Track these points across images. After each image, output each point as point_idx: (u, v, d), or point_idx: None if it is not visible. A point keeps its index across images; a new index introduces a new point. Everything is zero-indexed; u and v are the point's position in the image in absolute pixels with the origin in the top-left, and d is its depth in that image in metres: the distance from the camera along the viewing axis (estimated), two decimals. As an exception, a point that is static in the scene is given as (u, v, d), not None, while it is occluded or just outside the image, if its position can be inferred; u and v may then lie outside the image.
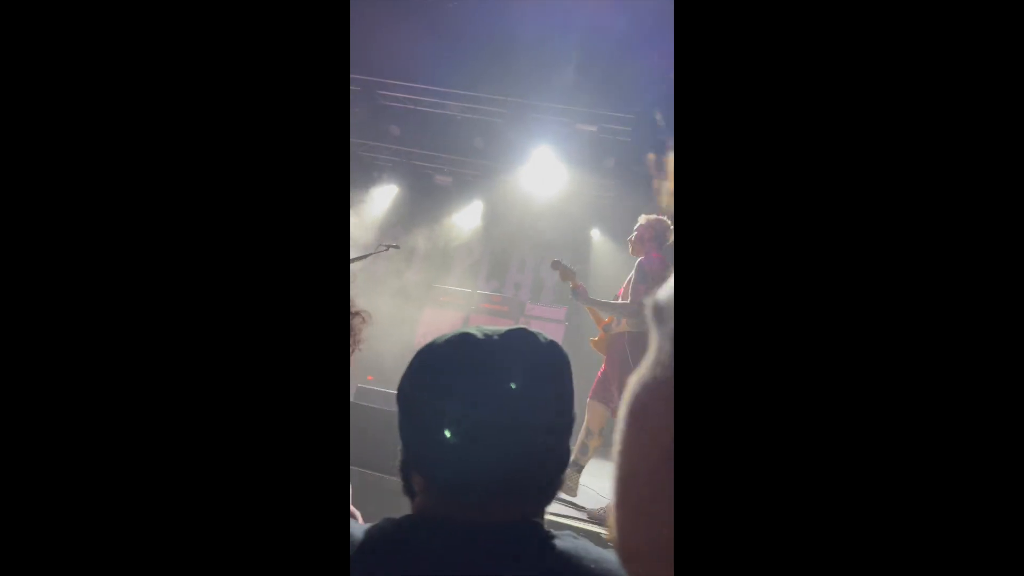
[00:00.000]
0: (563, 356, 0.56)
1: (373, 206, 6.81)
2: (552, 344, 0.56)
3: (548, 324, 5.87)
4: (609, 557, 0.50)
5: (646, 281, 2.42)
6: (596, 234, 6.45)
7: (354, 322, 0.80)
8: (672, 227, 2.52)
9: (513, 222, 6.50)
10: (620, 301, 2.56)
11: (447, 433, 0.50)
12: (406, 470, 0.57)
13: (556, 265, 2.82)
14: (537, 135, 5.60)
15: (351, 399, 2.82)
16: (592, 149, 5.64)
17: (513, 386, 0.51)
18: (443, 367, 0.52)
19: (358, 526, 0.54)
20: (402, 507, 0.58)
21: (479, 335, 0.54)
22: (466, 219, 6.72)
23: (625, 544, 0.25)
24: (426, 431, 0.52)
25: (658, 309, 0.27)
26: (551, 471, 0.54)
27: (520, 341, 0.54)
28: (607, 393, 2.53)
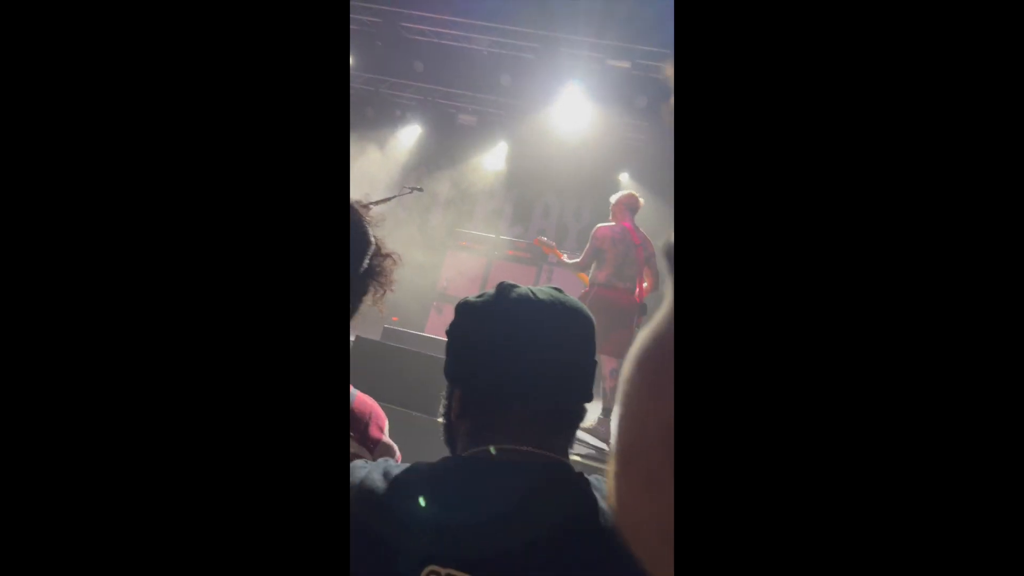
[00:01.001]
0: (586, 314, 0.65)
1: (396, 146, 6.70)
2: (580, 306, 0.66)
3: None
4: None
5: (590, 242, 3.01)
6: (625, 178, 6.26)
7: (385, 263, 0.80)
8: (640, 200, 3.16)
9: (539, 165, 6.33)
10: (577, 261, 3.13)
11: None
12: (449, 399, 0.64)
13: (539, 242, 3.37)
14: (567, 72, 5.32)
15: (379, 339, 2.90)
16: (624, 87, 5.35)
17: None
18: (487, 322, 0.62)
19: (395, 464, 0.57)
20: (426, 439, 0.62)
21: (524, 292, 0.63)
22: (490, 161, 6.57)
23: (627, 520, 0.23)
24: (474, 353, 0.61)
25: (670, 253, 0.24)
26: (577, 401, 0.62)
27: (558, 300, 0.64)
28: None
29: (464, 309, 0.64)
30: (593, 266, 3.04)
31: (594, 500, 0.55)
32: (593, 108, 5.43)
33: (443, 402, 0.66)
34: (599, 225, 3.07)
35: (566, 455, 0.61)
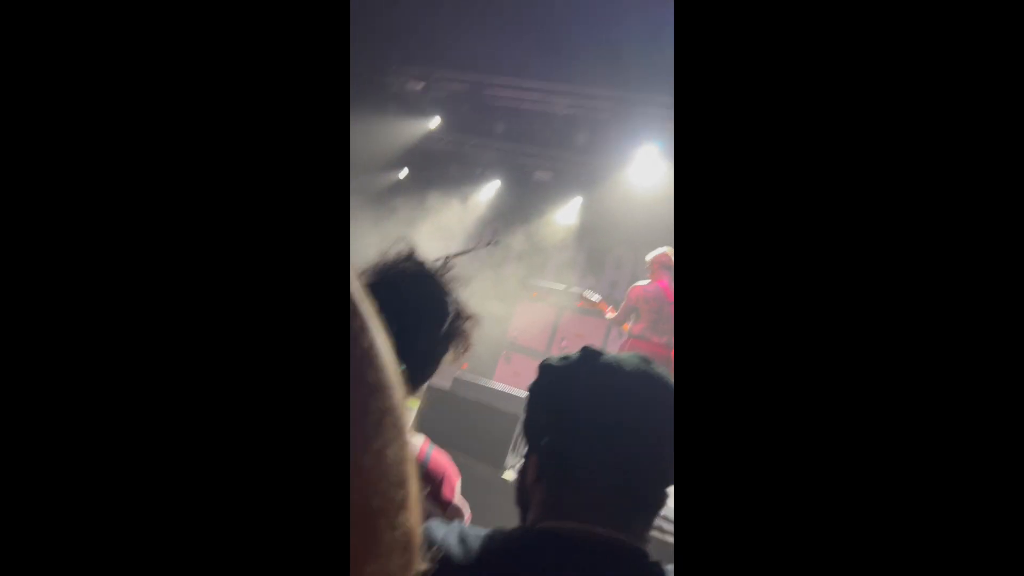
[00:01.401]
0: (672, 388, 0.62)
1: (475, 201, 7.05)
2: (668, 380, 0.63)
3: (644, 326, 5.70)
4: None
5: (626, 299, 3.37)
6: (701, 234, 6.10)
7: (466, 325, 0.84)
8: (669, 257, 3.33)
9: (612, 218, 6.35)
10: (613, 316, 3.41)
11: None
12: (527, 462, 0.64)
13: (584, 301, 3.67)
14: (641, 129, 5.41)
15: (448, 387, 2.96)
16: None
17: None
18: (569, 387, 0.61)
19: (471, 529, 0.57)
20: (491, 493, 0.62)
21: (609, 360, 0.62)
22: (564, 215, 6.70)
23: None
24: (552, 418, 0.61)
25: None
26: (659, 483, 0.61)
27: (645, 373, 0.63)
28: None
29: (544, 370, 0.64)
30: (632, 319, 3.36)
31: None
32: (667, 164, 5.43)
33: (520, 461, 0.65)
34: (634, 284, 3.40)
35: (644, 541, 0.59)
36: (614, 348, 5.57)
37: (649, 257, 3.43)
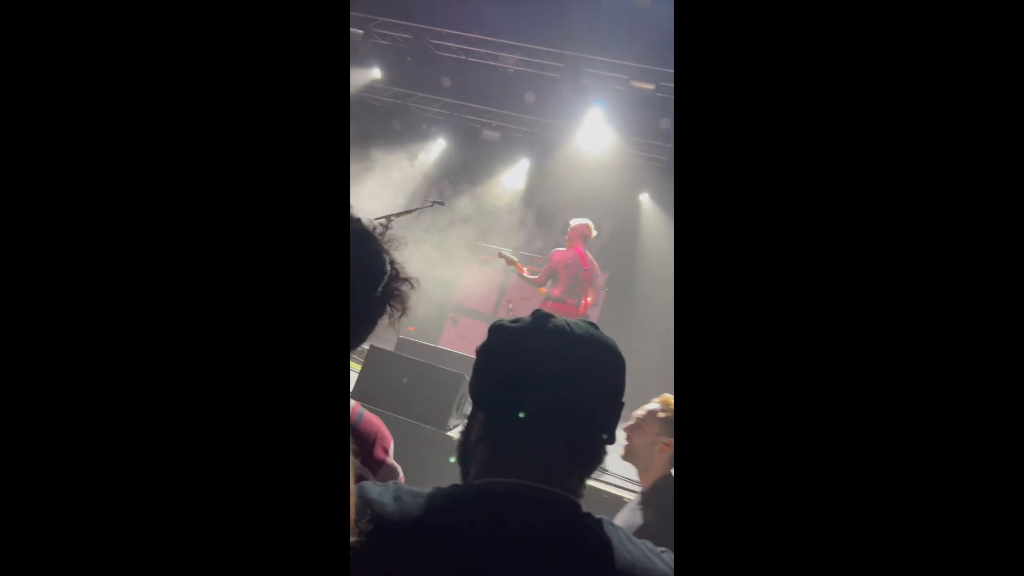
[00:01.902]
0: (619, 354, 0.64)
1: (421, 159, 6.81)
2: (614, 345, 0.64)
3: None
4: (644, 548, 0.56)
5: (548, 263, 3.68)
6: (645, 199, 6.25)
7: (403, 287, 0.81)
8: (593, 229, 3.80)
9: (560, 182, 6.36)
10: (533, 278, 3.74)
11: (521, 414, 0.58)
12: (471, 420, 0.64)
13: (501, 255, 3.88)
14: (591, 91, 5.37)
15: (392, 349, 2.92)
16: (647, 108, 5.37)
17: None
18: (520, 348, 0.62)
19: (407, 488, 0.57)
20: (434, 453, 0.61)
21: (560, 324, 0.63)
22: (511, 177, 6.63)
23: None
24: (502, 378, 0.61)
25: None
26: (601, 441, 0.62)
27: (594, 337, 0.63)
28: None
29: (498, 332, 0.64)
30: (549, 283, 3.71)
31: (606, 542, 0.54)
32: (615, 129, 5.45)
33: (464, 420, 0.65)
34: (556, 249, 3.73)
35: (580, 495, 0.61)
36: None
37: (572, 224, 3.77)
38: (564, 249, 3.72)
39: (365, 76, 6.09)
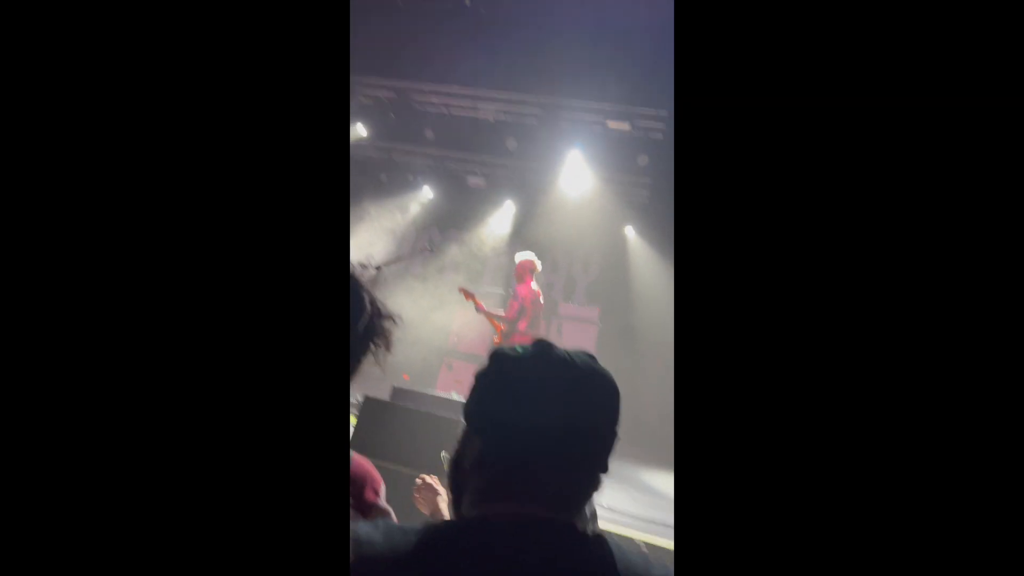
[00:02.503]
0: (615, 386, 0.64)
1: (407, 209, 6.93)
2: (611, 377, 0.65)
3: (581, 324, 5.84)
4: (640, 562, 0.54)
5: (517, 299, 3.88)
6: (630, 231, 6.37)
7: (386, 324, 0.82)
8: (538, 263, 4.06)
9: (545, 223, 6.48)
10: (503, 314, 3.94)
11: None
12: (464, 445, 0.64)
13: (461, 291, 4.06)
14: (569, 134, 5.57)
15: (387, 399, 2.89)
16: (625, 147, 5.56)
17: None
18: (523, 377, 0.62)
19: (397, 525, 0.56)
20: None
21: (562, 354, 0.64)
22: (498, 220, 6.75)
23: None
24: (502, 404, 0.61)
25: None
26: (595, 471, 0.62)
27: (594, 369, 0.65)
28: None
29: (499, 358, 0.64)
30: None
31: (611, 558, 0.54)
32: (596, 168, 5.62)
33: (456, 446, 0.65)
34: (528, 286, 3.95)
35: (580, 521, 0.60)
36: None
37: (521, 258, 4.06)
38: (526, 285, 3.99)
39: (351, 134, 6.29)
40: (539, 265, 4.11)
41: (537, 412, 0.59)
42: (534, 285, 4.00)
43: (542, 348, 0.64)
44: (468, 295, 4.06)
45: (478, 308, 3.97)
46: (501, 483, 0.59)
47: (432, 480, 1.21)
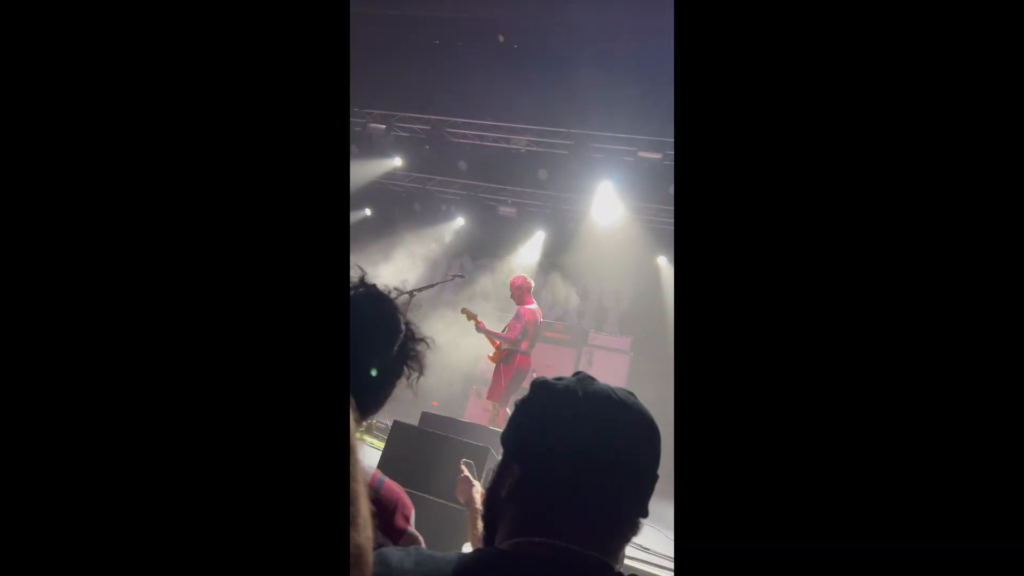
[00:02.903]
0: (656, 426, 0.63)
1: (441, 237, 7.08)
2: (652, 417, 0.64)
3: (613, 354, 5.74)
4: None
5: (520, 321, 3.98)
6: (663, 261, 6.30)
7: (419, 347, 0.84)
8: (532, 283, 4.20)
9: (576, 251, 6.49)
10: (504, 334, 4.04)
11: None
12: (502, 473, 0.63)
13: (463, 311, 4.16)
14: (600, 164, 5.62)
15: (417, 423, 2.89)
16: (657, 177, 5.56)
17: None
18: (566, 409, 0.61)
19: (428, 552, 0.56)
20: (460, 536, 0.59)
21: (603, 389, 0.63)
22: (529, 249, 6.81)
23: None
24: (542, 434, 0.60)
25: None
26: (634, 513, 0.61)
27: (636, 407, 0.63)
28: (499, 394, 4.03)
29: (541, 388, 0.63)
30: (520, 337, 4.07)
31: None
32: (627, 198, 5.63)
33: (492, 473, 0.64)
34: (530, 308, 4.04)
35: (616, 561, 0.58)
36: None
37: (518, 280, 4.14)
38: (527, 306, 4.07)
39: (387, 165, 6.53)
40: (534, 283, 4.23)
41: (578, 446, 0.58)
42: (533, 305, 4.09)
43: (582, 380, 0.63)
44: (470, 315, 4.11)
45: (479, 327, 4.02)
46: (537, 516, 0.58)
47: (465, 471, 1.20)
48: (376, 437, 3.77)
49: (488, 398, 4.23)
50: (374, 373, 0.76)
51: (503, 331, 4.10)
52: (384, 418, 3.76)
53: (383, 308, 0.82)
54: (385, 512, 0.79)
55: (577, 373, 0.65)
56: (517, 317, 4.06)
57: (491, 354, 4.21)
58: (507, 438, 0.63)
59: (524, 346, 4.02)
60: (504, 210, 6.68)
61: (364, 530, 0.40)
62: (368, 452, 3.38)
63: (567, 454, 0.58)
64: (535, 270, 6.78)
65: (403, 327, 0.82)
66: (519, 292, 4.14)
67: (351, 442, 0.41)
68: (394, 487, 0.83)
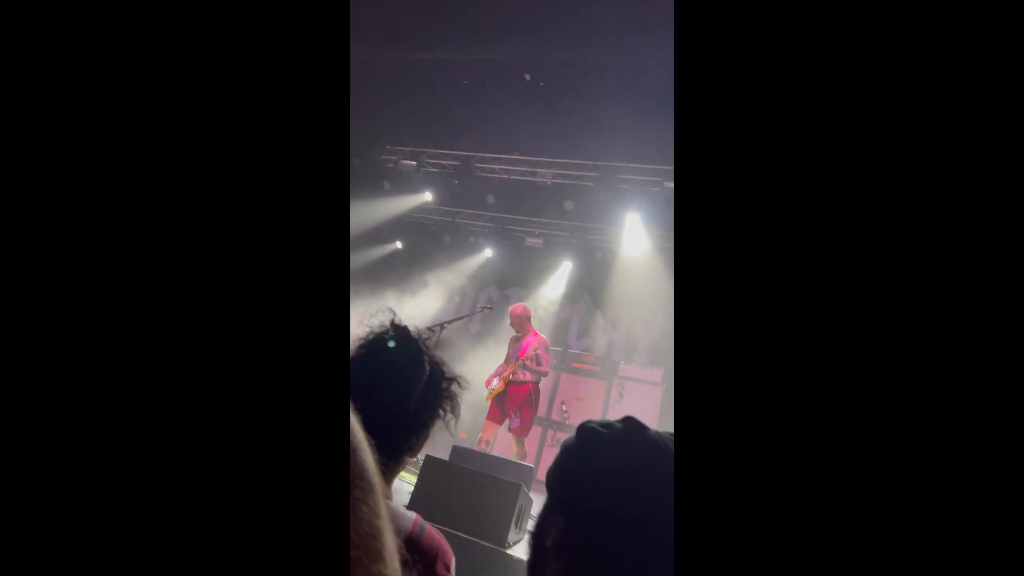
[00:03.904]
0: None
1: (470, 269, 7.18)
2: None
3: (644, 386, 5.61)
4: None
5: (548, 353, 4.25)
6: (692, 292, 6.19)
7: (451, 388, 0.84)
8: (530, 313, 4.42)
9: (603, 281, 6.46)
10: (540, 367, 4.20)
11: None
12: (548, 522, 0.62)
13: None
14: (627, 195, 5.65)
15: (448, 458, 2.88)
16: (684, 206, 5.54)
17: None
18: (616, 458, 0.60)
19: None
20: (493, 571, 0.58)
21: (654, 437, 0.61)
22: (556, 279, 6.82)
23: None
24: (591, 486, 0.59)
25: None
26: (662, 561, 0.58)
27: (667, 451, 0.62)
28: (500, 416, 4.25)
29: (591, 437, 0.62)
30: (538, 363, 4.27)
31: None
32: (655, 228, 5.62)
33: (538, 518, 0.62)
34: (537, 337, 4.25)
35: None
36: (613, 413, 5.44)
37: (518, 308, 4.33)
38: (532, 333, 4.28)
39: (418, 199, 6.72)
40: (528, 309, 4.44)
41: (628, 498, 0.56)
42: (539, 331, 4.30)
43: (633, 427, 0.61)
44: (503, 380, 4.28)
45: (526, 366, 4.14)
46: (587, 568, 0.56)
47: None
48: (408, 471, 3.75)
49: (517, 433, 4.23)
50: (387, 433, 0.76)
51: (531, 363, 4.20)
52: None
53: (412, 353, 0.82)
54: (426, 559, 0.79)
55: (628, 418, 0.63)
56: (545, 349, 4.22)
57: (496, 390, 4.28)
58: (553, 485, 0.62)
59: (532, 365, 4.21)
60: (531, 241, 6.74)
61: (391, 563, 0.40)
62: (398, 485, 3.36)
63: (614, 507, 0.56)
64: (562, 300, 6.76)
65: (427, 367, 0.83)
66: (520, 321, 4.29)
67: (374, 477, 0.40)
68: (435, 534, 0.83)
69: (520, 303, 4.47)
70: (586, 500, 0.58)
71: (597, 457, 0.60)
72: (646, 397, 5.55)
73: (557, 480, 0.62)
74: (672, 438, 0.61)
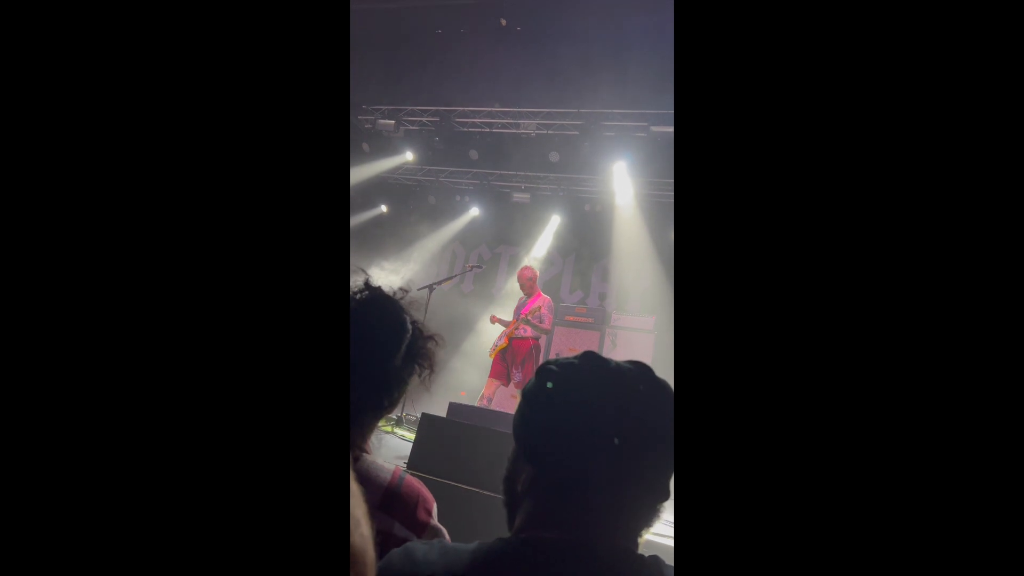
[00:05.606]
0: (671, 394, 0.60)
1: (456, 228, 7.10)
2: (664, 384, 0.62)
3: (637, 334, 5.69)
4: None
5: (551, 312, 4.48)
6: (682, 238, 6.19)
7: (428, 346, 0.84)
8: (537, 272, 4.67)
9: (593, 233, 6.43)
10: (543, 324, 4.39)
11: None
12: (517, 468, 0.62)
13: (493, 320, 4.60)
14: (612, 142, 5.53)
15: (445, 415, 2.93)
16: (670, 151, 5.44)
17: (617, 441, 0.57)
18: (573, 393, 0.60)
19: (452, 544, 0.56)
20: (490, 522, 0.59)
21: (613, 367, 0.61)
22: (545, 234, 6.77)
23: None
24: (555, 457, 0.58)
25: None
26: (652, 499, 0.59)
27: (643, 375, 0.61)
28: (504, 374, 4.44)
29: (546, 374, 0.61)
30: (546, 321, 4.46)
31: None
32: (642, 175, 5.54)
33: (508, 464, 0.63)
34: (548, 300, 4.49)
35: (634, 546, 0.57)
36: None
37: (527, 270, 4.54)
38: (539, 295, 4.48)
39: (398, 160, 6.55)
40: (535, 270, 4.65)
41: (589, 430, 0.56)
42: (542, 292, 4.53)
43: (590, 360, 0.61)
44: (503, 323, 4.46)
45: (528, 321, 4.29)
46: (554, 510, 0.57)
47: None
48: (407, 429, 3.84)
49: (520, 387, 4.48)
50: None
51: (534, 319, 4.34)
52: (414, 411, 3.82)
53: (388, 310, 0.82)
54: (407, 507, 0.80)
55: (585, 352, 0.62)
56: (548, 308, 4.42)
57: (502, 345, 4.47)
58: (518, 433, 0.62)
59: (545, 325, 4.41)
60: (518, 196, 6.64)
61: (357, 528, 0.40)
62: (399, 444, 3.45)
63: (577, 441, 0.56)
64: (552, 254, 6.75)
65: (409, 327, 0.83)
66: (530, 283, 4.47)
67: (362, 554, 0.39)
68: (414, 483, 0.84)
69: (527, 266, 4.66)
70: (547, 438, 0.58)
71: (554, 393, 0.59)
72: (639, 344, 5.64)
73: (520, 428, 0.62)
74: (641, 365, 0.61)
